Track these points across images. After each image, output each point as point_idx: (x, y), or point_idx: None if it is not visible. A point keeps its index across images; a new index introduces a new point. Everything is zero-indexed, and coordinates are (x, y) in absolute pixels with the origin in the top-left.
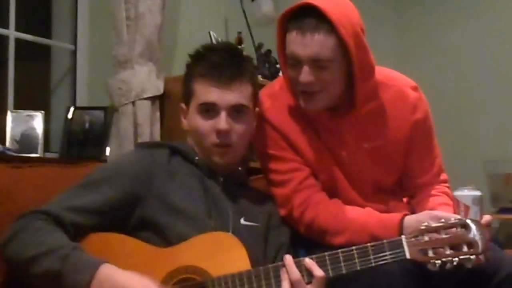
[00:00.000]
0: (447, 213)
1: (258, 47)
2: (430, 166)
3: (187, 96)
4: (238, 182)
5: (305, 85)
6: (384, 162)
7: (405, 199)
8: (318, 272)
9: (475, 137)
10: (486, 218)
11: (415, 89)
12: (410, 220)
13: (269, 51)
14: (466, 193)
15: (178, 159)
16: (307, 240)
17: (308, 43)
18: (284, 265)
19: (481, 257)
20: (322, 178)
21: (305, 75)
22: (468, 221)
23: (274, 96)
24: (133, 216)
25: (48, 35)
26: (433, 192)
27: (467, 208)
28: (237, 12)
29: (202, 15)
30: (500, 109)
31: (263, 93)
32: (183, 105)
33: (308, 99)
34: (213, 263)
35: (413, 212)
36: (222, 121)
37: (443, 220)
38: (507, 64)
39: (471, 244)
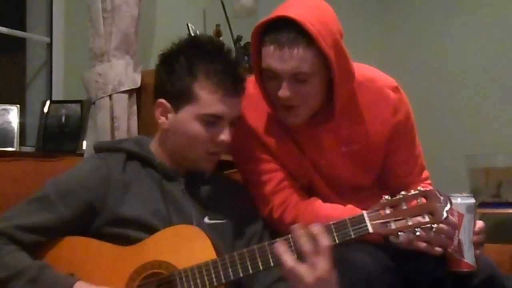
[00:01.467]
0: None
1: (237, 40)
2: (412, 166)
3: (181, 96)
4: (202, 179)
5: (284, 100)
6: (363, 165)
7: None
8: (326, 241)
9: (456, 132)
10: (479, 224)
11: (395, 89)
12: None
13: (248, 44)
14: (460, 201)
15: (135, 164)
16: None
17: (287, 58)
18: (250, 250)
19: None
20: (300, 181)
21: (284, 90)
22: (428, 191)
23: (249, 98)
24: (90, 229)
25: (23, 28)
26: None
27: (461, 216)
28: (216, 4)
29: (180, 7)
30: (481, 104)
31: None
32: (164, 101)
33: (288, 114)
34: (178, 256)
35: None
36: (227, 132)
37: (403, 192)
38: (488, 60)
39: (432, 213)
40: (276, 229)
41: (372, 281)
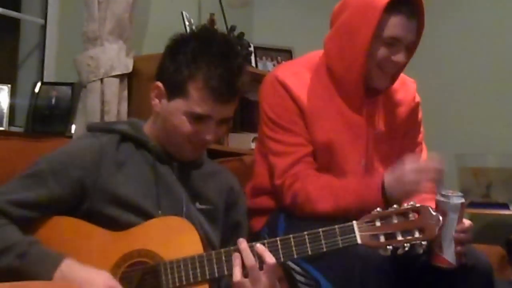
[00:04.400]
0: (425, 164)
1: (231, 29)
2: (418, 157)
3: (176, 88)
4: (194, 165)
5: (396, 64)
6: (384, 153)
7: None
8: (270, 258)
9: (446, 131)
10: (466, 224)
11: (414, 82)
12: (390, 179)
13: (242, 34)
14: (444, 200)
15: (129, 145)
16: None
17: (412, 28)
18: (236, 250)
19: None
20: (320, 160)
21: (402, 56)
22: (421, 207)
23: (299, 74)
24: (80, 209)
25: (17, 9)
26: None
27: (444, 214)
28: None
29: None
30: (472, 103)
31: (288, 69)
32: (160, 85)
33: (386, 77)
34: (165, 247)
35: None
36: (212, 132)
37: (395, 206)
38: (478, 59)
39: (422, 229)
40: (283, 197)
41: (369, 268)
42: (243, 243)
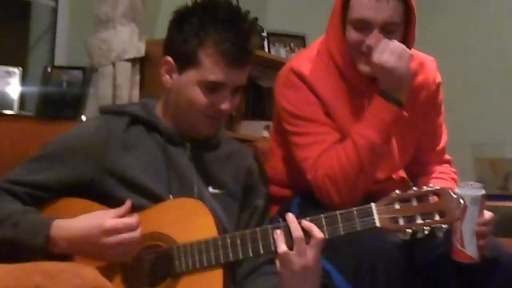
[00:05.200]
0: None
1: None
2: (436, 141)
3: (186, 59)
4: (208, 146)
5: (371, 48)
6: (406, 139)
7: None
8: (318, 233)
9: (463, 120)
10: (487, 215)
11: (433, 61)
12: (383, 86)
13: (255, 19)
14: (464, 193)
15: (139, 128)
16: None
17: (383, 8)
18: (253, 232)
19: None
20: None
21: (374, 38)
22: (441, 190)
23: (314, 60)
24: (91, 192)
25: None
26: (434, 174)
27: (464, 207)
28: None
29: None
30: (490, 92)
31: (302, 55)
32: (170, 60)
33: (369, 61)
34: (179, 230)
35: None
36: (227, 101)
37: (415, 188)
38: (495, 49)
39: (443, 212)
40: (321, 194)
41: (379, 259)
42: (291, 216)
